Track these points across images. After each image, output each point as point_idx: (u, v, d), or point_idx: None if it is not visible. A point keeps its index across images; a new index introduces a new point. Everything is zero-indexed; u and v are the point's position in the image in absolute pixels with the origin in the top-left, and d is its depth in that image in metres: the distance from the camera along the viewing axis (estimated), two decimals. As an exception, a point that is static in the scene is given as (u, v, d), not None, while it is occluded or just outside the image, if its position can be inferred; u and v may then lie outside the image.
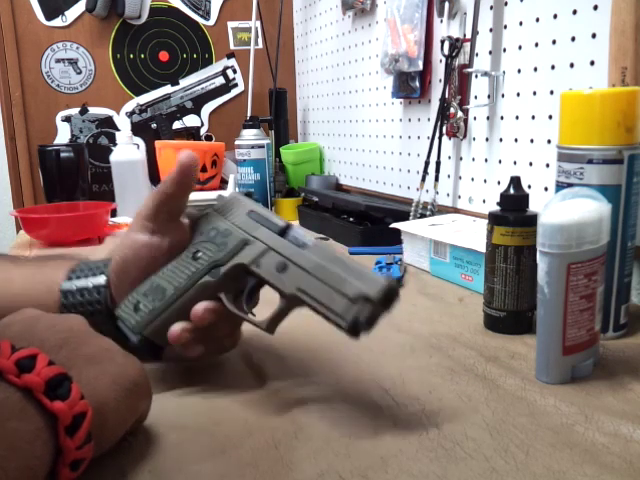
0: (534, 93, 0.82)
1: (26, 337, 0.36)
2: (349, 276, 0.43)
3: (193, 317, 0.47)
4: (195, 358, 0.50)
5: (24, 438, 0.29)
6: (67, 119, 1.51)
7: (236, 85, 1.63)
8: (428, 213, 1.00)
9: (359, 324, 0.41)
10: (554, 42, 0.78)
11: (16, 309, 0.52)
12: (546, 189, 0.81)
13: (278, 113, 1.50)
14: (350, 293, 0.41)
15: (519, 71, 0.85)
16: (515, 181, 0.60)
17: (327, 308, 0.42)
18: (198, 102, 1.60)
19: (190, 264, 0.49)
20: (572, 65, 0.75)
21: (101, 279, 0.52)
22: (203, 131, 1.61)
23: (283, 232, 0.48)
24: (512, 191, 0.60)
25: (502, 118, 0.89)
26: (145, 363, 0.41)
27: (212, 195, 0.59)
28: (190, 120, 1.60)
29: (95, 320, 0.46)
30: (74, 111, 1.51)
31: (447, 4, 0.96)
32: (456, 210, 1.00)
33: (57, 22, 1.47)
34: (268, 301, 0.49)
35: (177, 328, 0.47)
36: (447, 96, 0.96)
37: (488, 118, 0.92)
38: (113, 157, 1.35)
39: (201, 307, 0.47)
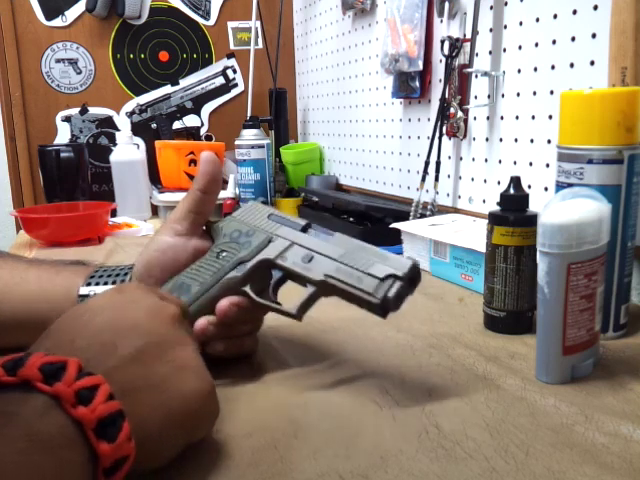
0: (534, 93, 0.82)
1: (106, 339, 0.35)
2: (375, 259, 0.45)
3: (218, 311, 0.48)
4: (214, 356, 0.49)
5: (72, 469, 0.29)
6: (67, 119, 1.51)
7: (236, 85, 1.63)
8: (428, 213, 1.00)
9: (389, 300, 0.43)
10: (554, 42, 0.78)
11: (31, 308, 0.52)
12: (546, 189, 0.81)
13: (278, 113, 1.50)
14: (378, 274, 0.44)
15: (519, 71, 0.85)
16: (515, 181, 0.60)
17: (357, 289, 0.45)
18: (198, 102, 1.60)
19: (215, 262, 0.51)
20: (572, 65, 0.75)
21: None
22: (203, 131, 1.61)
23: (305, 229, 0.51)
24: (512, 191, 0.60)
25: (502, 118, 0.89)
26: None
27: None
28: (190, 120, 1.60)
29: None
30: (74, 111, 1.51)
31: (447, 4, 0.96)
32: (456, 210, 1.00)
33: (57, 22, 1.47)
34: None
35: (203, 321, 0.49)
36: (447, 96, 0.96)
37: (488, 118, 0.92)
38: (113, 157, 1.35)
39: (226, 301, 0.49)
